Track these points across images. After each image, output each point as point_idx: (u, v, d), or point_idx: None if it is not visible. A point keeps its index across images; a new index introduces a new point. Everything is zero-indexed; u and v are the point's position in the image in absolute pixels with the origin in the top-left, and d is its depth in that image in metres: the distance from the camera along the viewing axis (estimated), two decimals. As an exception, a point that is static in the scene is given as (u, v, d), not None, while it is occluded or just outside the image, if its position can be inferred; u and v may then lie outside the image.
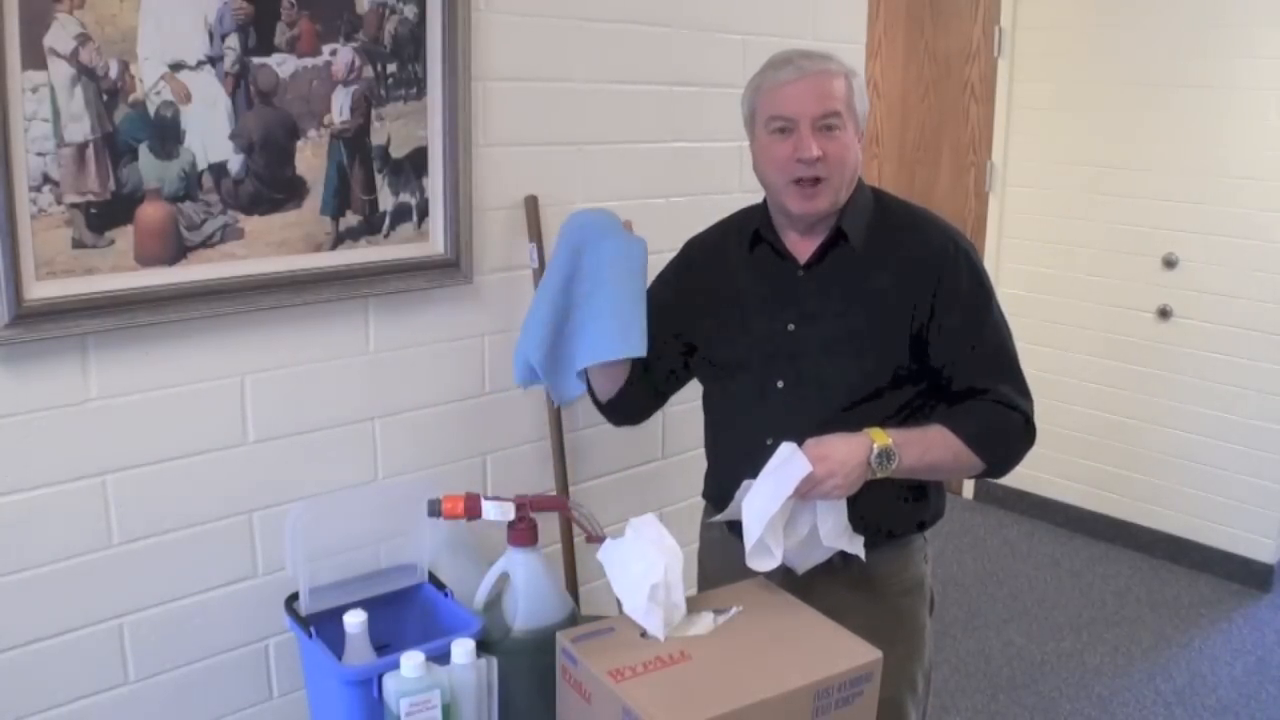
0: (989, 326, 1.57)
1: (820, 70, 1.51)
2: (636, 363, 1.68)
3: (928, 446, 1.51)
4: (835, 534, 1.49)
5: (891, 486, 1.56)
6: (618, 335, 1.61)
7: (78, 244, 1.39)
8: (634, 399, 1.74)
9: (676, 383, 1.78)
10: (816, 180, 1.52)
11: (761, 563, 1.47)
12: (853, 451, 1.44)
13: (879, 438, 1.46)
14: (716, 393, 1.73)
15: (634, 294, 1.63)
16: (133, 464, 1.51)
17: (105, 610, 1.52)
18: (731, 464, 1.72)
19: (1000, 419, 1.54)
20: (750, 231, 1.65)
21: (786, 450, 1.44)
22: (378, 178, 1.67)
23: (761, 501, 1.43)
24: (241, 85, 1.50)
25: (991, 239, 4.15)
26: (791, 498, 1.43)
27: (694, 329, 1.69)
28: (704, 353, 1.70)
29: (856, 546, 1.51)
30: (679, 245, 1.80)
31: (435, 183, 1.75)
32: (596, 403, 1.76)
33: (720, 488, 1.75)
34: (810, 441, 1.46)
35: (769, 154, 1.55)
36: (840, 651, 1.32)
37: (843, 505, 1.48)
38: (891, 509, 1.61)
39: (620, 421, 1.81)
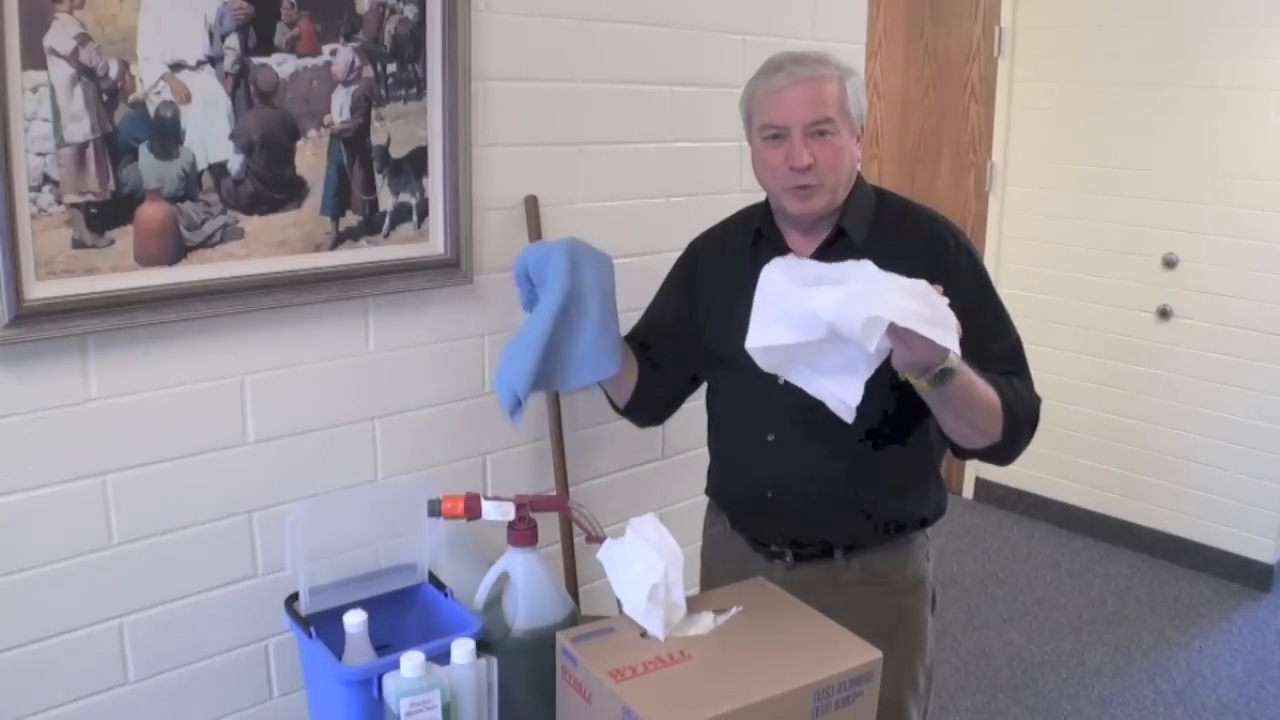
0: (999, 321, 1.57)
1: (811, 76, 1.51)
2: (644, 365, 1.70)
3: (975, 384, 1.43)
4: (843, 384, 1.37)
5: (892, 483, 1.57)
6: (606, 357, 1.60)
7: (78, 244, 1.39)
8: (652, 401, 1.75)
9: (695, 383, 1.79)
10: (811, 184, 1.52)
11: (761, 336, 1.37)
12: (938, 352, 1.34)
13: (952, 355, 1.35)
14: (719, 389, 1.73)
15: (613, 313, 1.62)
16: (133, 464, 1.51)
17: (105, 610, 1.52)
18: (733, 460, 1.72)
19: (1027, 397, 1.53)
20: (752, 230, 1.66)
21: (947, 311, 1.30)
22: (378, 178, 1.67)
23: (915, 309, 1.28)
24: (241, 85, 1.50)
25: (991, 239, 4.15)
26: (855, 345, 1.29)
27: (700, 327, 1.70)
28: (706, 349, 1.70)
29: (846, 410, 1.39)
30: (678, 245, 1.80)
31: (435, 183, 1.74)
32: (616, 408, 1.77)
33: (723, 484, 1.76)
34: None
35: (764, 160, 1.56)
36: (840, 651, 1.32)
37: (867, 369, 1.36)
38: (893, 506, 1.62)
39: (644, 423, 1.83)
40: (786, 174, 1.52)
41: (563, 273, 1.57)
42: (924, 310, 1.30)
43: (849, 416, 1.39)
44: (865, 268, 1.36)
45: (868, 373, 1.36)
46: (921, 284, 1.33)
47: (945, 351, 1.32)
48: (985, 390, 1.45)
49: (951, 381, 1.37)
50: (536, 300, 1.61)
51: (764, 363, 1.42)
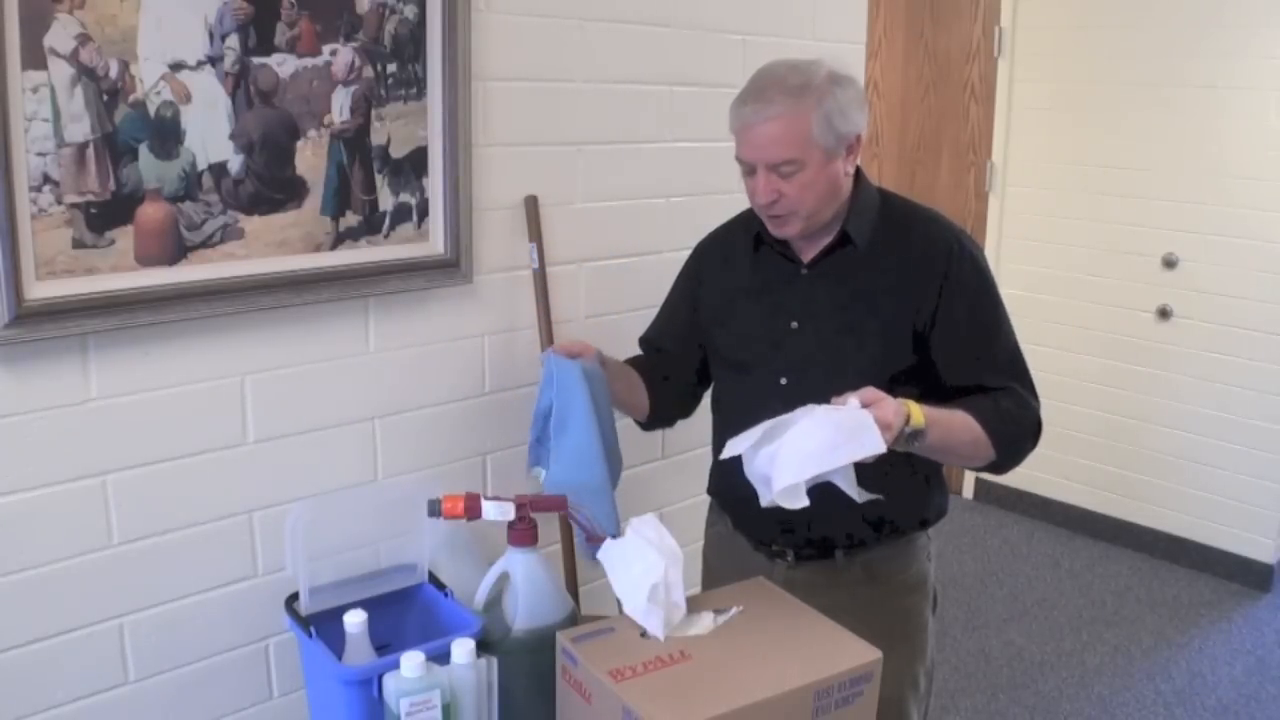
0: (999, 326, 1.57)
1: (774, 116, 1.46)
2: (654, 377, 1.74)
3: (951, 428, 1.46)
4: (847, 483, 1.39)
5: (895, 483, 1.56)
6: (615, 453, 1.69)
7: (78, 244, 1.39)
8: (669, 406, 1.79)
9: (705, 384, 1.80)
10: (780, 215, 1.54)
11: (769, 495, 1.39)
12: (898, 417, 1.37)
13: (915, 415, 1.39)
14: (724, 390, 1.74)
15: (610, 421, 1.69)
16: (133, 464, 1.51)
17: (105, 610, 1.52)
18: (736, 459, 1.72)
19: (1018, 414, 1.54)
20: (753, 234, 1.66)
21: (859, 414, 1.33)
22: (378, 178, 1.67)
23: (817, 449, 1.31)
24: (241, 85, 1.50)
25: (991, 239, 4.15)
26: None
27: (706, 329, 1.71)
28: (711, 350, 1.71)
29: (861, 495, 1.40)
30: (678, 245, 1.81)
31: (435, 183, 1.74)
32: (640, 425, 1.81)
33: (725, 484, 1.76)
34: (869, 394, 1.37)
35: (744, 184, 1.58)
36: (840, 651, 1.32)
37: (845, 475, 1.38)
38: (895, 506, 1.61)
39: (672, 424, 1.87)
40: (758, 203, 1.54)
41: (580, 400, 1.63)
42: (836, 438, 1.31)
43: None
44: (780, 422, 1.36)
45: (849, 475, 1.36)
46: (821, 409, 1.34)
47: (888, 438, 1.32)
48: (965, 429, 1.47)
49: (924, 439, 1.40)
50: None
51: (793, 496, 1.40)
